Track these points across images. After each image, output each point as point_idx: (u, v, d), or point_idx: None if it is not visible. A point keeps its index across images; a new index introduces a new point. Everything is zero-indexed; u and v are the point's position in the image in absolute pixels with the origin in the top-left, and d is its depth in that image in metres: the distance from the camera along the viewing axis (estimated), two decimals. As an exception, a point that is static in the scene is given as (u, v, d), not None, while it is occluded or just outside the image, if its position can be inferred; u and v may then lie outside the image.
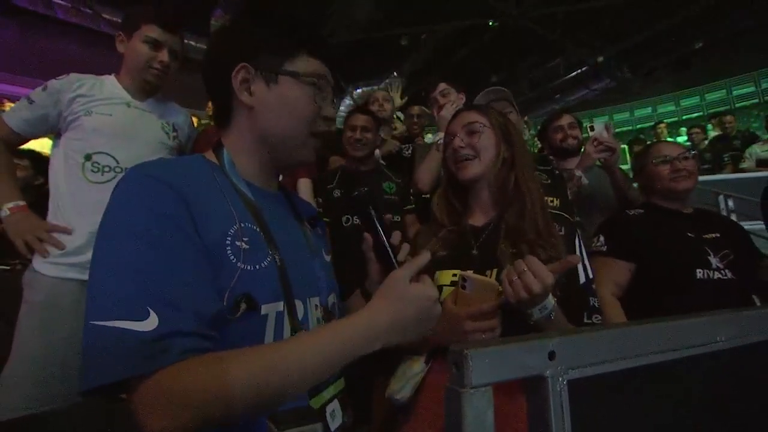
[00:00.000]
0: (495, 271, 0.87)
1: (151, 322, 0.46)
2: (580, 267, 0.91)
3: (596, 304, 0.91)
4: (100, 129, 1.29)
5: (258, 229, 0.61)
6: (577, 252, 0.93)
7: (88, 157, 1.27)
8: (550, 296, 0.75)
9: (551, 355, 0.33)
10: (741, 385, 0.43)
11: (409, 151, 2.32)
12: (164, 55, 1.36)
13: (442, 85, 1.95)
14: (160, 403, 0.45)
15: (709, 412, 0.41)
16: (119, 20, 1.45)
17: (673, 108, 9.65)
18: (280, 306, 0.60)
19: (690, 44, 7.11)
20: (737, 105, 8.63)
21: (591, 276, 0.93)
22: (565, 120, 2.09)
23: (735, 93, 8.79)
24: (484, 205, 0.98)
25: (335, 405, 0.64)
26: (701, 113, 9.14)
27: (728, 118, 5.41)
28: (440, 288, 0.89)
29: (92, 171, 1.28)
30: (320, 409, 0.61)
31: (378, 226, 0.68)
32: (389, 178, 1.97)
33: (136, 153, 1.32)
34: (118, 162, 1.30)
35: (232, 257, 0.56)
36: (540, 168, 1.46)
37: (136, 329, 0.45)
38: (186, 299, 0.49)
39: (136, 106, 1.37)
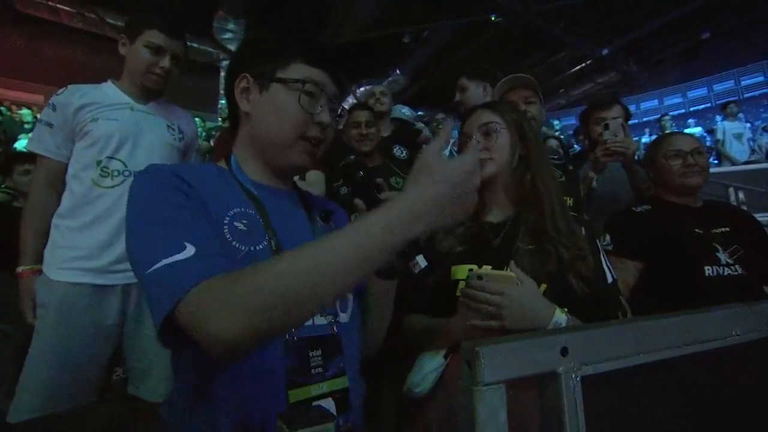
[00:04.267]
0: (512, 264, 0.87)
1: (189, 251, 0.51)
2: (605, 267, 0.91)
3: (626, 304, 0.92)
4: (106, 135, 1.29)
5: (257, 214, 0.65)
6: (600, 253, 0.93)
7: (98, 164, 1.29)
8: (557, 314, 0.77)
9: (564, 351, 0.32)
10: (758, 379, 0.42)
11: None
12: (166, 61, 1.36)
13: (462, 80, 1.84)
14: (219, 307, 0.47)
15: (725, 407, 0.40)
16: (123, 25, 1.44)
17: (680, 100, 9.52)
18: None
19: (696, 35, 7.01)
20: (746, 95, 8.49)
21: (615, 277, 0.93)
22: (613, 113, 1.78)
23: (744, 83, 8.66)
24: (500, 203, 0.98)
25: (330, 404, 0.62)
26: (709, 104, 9.02)
27: None
28: (456, 282, 0.89)
29: (102, 176, 1.29)
30: (303, 403, 0.59)
31: (368, 188, 0.69)
32: (396, 173, 1.97)
33: (144, 155, 1.33)
34: (126, 166, 1.31)
35: (229, 236, 0.60)
36: (554, 163, 1.43)
37: (180, 258, 0.51)
38: (210, 236, 0.56)
39: (139, 110, 1.38)
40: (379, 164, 1.99)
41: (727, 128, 5.95)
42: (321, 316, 0.66)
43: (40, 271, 1.28)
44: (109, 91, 1.37)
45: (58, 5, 6.71)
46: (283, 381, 0.58)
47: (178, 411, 0.62)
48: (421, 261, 0.62)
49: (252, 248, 0.61)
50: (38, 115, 1.44)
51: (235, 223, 0.61)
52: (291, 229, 0.68)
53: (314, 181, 1.75)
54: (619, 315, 0.89)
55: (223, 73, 7.36)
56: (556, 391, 0.32)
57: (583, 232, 0.92)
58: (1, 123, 5.43)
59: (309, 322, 0.64)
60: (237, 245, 0.60)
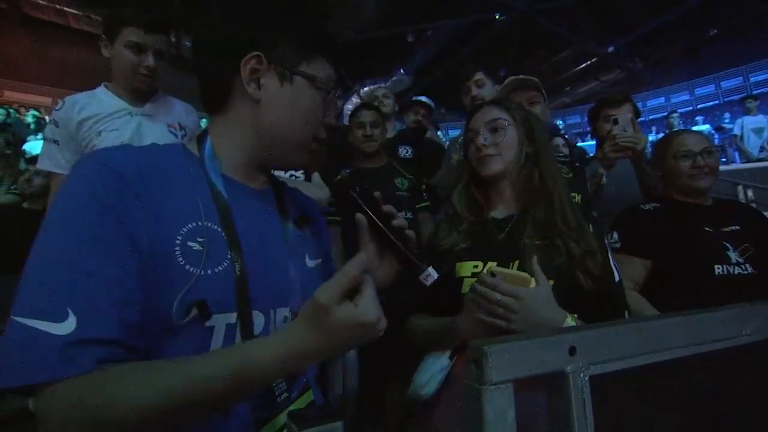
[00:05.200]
0: (517, 262, 0.87)
1: (67, 325, 0.43)
2: (612, 266, 0.90)
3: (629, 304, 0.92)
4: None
5: (220, 230, 0.56)
6: (608, 251, 0.92)
7: None
8: (567, 321, 0.76)
9: (572, 351, 0.32)
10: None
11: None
12: (149, 59, 1.30)
13: (479, 74, 1.86)
14: (55, 417, 0.43)
15: (735, 407, 0.40)
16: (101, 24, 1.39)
17: (687, 97, 9.43)
18: (232, 317, 0.54)
19: (702, 32, 6.94)
20: (755, 91, 8.40)
21: (621, 276, 0.93)
22: (622, 111, 1.71)
23: (752, 79, 8.55)
24: (506, 200, 0.98)
25: None
26: (717, 101, 8.92)
27: None
28: (461, 280, 0.89)
29: None
30: None
31: (363, 204, 0.60)
32: (401, 174, 1.97)
33: None
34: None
35: (181, 259, 0.51)
36: (560, 159, 1.42)
37: (50, 331, 0.42)
38: (111, 303, 0.45)
39: (138, 113, 1.35)
40: (383, 165, 1.99)
41: (746, 123, 5.80)
42: None
43: None
44: (105, 98, 1.34)
45: (65, 8, 6.78)
46: (251, 422, 0.55)
47: None
48: (432, 273, 0.58)
49: (208, 271, 0.53)
50: (43, 133, 1.43)
51: (189, 243, 0.52)
52: (260, 242, 0.61)
53: (320, 183, 1.75)
54: (625, 314, 0.88)
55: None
56: (565, 390, 0.31)
57: (591, 229, 0.92)
58: (9, 125, 5.50)
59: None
60: (190, 269, 0.51)
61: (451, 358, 0.85)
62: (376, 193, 0.62)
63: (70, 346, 0.42)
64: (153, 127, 1.37)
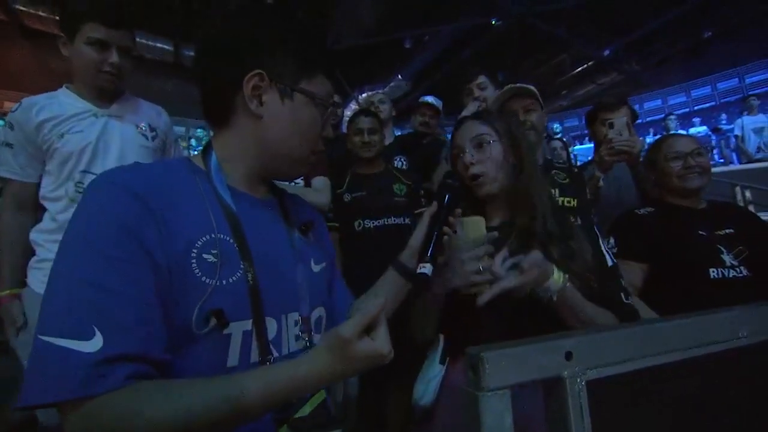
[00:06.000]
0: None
1: (95, 343, 0.44)
2: (604, 251, 0.95)
3: (626, 285, 0.96)
4: (75, 150, 1.21)
5: (232, 241, 0.58)
6: (602, 246, 0.96)
7: (71, 179, 1.22)
8: (554, 278, 0.78)
9: (568, 356, 0.32)
10: (765, 382, 0.42)
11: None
12: (113, 56, 1.21)
13: (482, 78, 1.89)
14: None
15: (732, 410, 0.40)
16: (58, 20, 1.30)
17: (684, 99, 9.47)
18: (248, 324, 0.57)
19: (698, 34, 6.99)
20: (751, 93, 8.44)
21: (615, 261, 0.96)
22: (619, 115, 1.71)
23: (748, 81, 8.60)
24: (497, 207, 1.00)
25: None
26: (714, 103, 8.95)
27: None
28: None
29: (78, 192, 1.22)
30: None
31: (443, 212, 0.78)
32: (399, 180, 1.97)
33: (116, 163, 1.24)
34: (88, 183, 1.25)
35: (197, 271, 0.54)
36: (558, 165, 1.43)
37: (79, 349, 0.44)
38: (135, 320, 0.47)
39: (103, 115, 1.27)
40: (381, 171, 2.00)
41: (746, 123, 5.79)
42: (296, 341, 0.64)
43: (18, 295, 1.23)
44: (67, 99, 1.26)
45: (65, 19, 6.82)
46: (270, 421, 0.56)
47: None
48: (428, 270, 0.74)
49: (223, 281, 0.55)
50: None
51: (204, 255, 0.55)
52: (269, 250, 0.63)
53: (321, 188, 1.75)
54: (623, 296, 0.91)
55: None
56: (562, 395, 0.32)
57: (579, 221, 0.94)
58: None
59: (285, 350, 0.62)
60: (206, 280, 0.54)
61: (442, 363, 0.87)
62: (458, 210, 0.81)
63: (100, 364, 0.44)
64: (121, 128, 1.29)
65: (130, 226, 0.50)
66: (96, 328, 0.45)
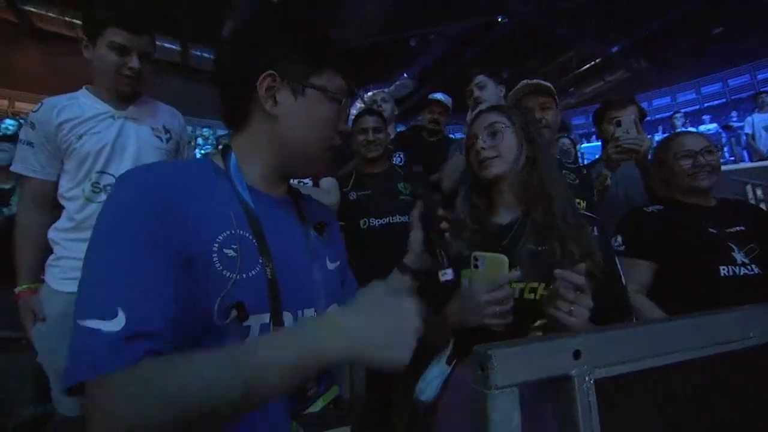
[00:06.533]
0: (518, 267, 0.87)
1: (118, 322, 0.47)
2: (619, 269, 0.93)
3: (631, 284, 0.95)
4: (92, 151, 1.25)
5: (251, 237, 0.61)
6: (614, 254, 0.95)
7: (88, 179, 1.25)
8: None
9: (576, 354, 0.32)
10: (777, 382, 0.42)
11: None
12: (134, 61, 1.26)
13: (480, 77, 1.88)
14: (111, 407, 0.45)
15: (741, 410, 0.40)
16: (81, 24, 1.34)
17: (694, 96, 9.34)
18: (266, 318, 0.59)
19: (707, 30, 6.88)
20: (762, 90, 8.30)
21: (625, 283, 0.95)
22: (627, 113, 1.68)
23: (760, 77, 8.46)
24: (508, 204, 0.99)
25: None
26: (725, 99, 8.83)
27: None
28: None
29: (94, 192, 1.26)
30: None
31: (429, 209, 0.78)
32: (404, 178, 1.98)
33: (132, 164, 1.27)
34: (116, 178, 1.28)
35: (218, 264, 0.56)
36: (568, 166, 1.42)
37: (103, 329, 0.47)
38: (155, 301, 0.50)
39: (120, 116, 1.31)
40: (385, 169, 2.00)
41: (756, 121, 5.69)
42: None
43: (37, 290, 1.27)
44: (87, 101, 1.30)
45: (75, 20, 6.91)
46: (285, 419, 0.57)
47: None
48: (450, 273, 0.72)
49: (243, 275, 0.57)
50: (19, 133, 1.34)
51: (225, 250, 0.57)
52: (286, 247, 0.65)
53: (329, 189, 1.76)
54: (633, 317, 0.89)
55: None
56: (570, 394, 0.32)
57: (596, 231, 0.92)
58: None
59: None
60: (226, 273, 0.56)
61: (449, 363, 0.87)
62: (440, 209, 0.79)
63: (121, 341, 0.46)
64: (137, 130, 1.33)
65: (155, 219, 0.53)
66: (119, 308, 0.47)
